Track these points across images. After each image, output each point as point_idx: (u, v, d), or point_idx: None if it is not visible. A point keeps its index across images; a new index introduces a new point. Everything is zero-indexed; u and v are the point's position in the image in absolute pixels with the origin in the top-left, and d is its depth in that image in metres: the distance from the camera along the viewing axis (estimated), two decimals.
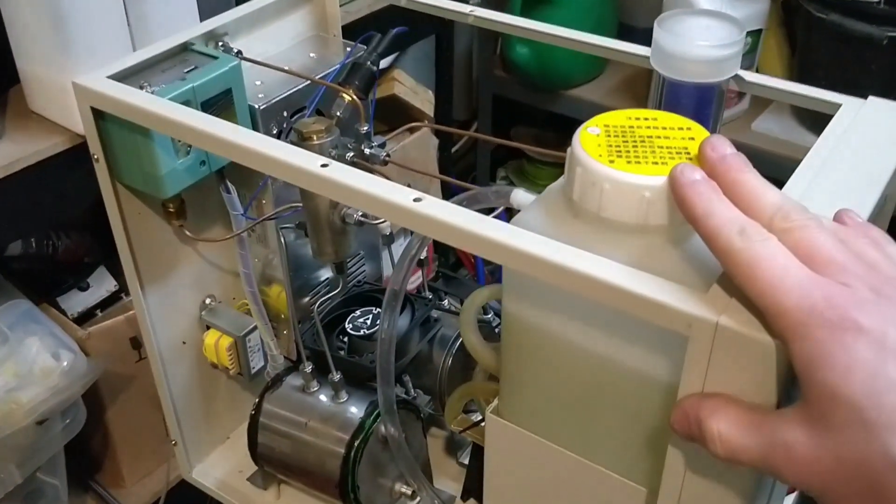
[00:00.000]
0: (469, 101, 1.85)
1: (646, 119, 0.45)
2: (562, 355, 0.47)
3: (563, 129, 1.07)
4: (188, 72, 0.59)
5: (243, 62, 0.63)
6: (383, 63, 1.28)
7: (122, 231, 0.62)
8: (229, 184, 0.64)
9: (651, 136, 0.44)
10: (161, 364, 0.70)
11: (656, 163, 0.42)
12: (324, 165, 0.48)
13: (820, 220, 0.38)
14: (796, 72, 1.51)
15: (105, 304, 1.10)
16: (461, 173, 1.86)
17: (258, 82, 0.65)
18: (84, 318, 1.07)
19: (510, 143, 0.58)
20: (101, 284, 1.10)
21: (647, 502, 0.47)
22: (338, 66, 0.67)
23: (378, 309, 0.71)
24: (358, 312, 0.71)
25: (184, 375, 0.73)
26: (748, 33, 1.50)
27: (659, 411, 0.44)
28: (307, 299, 0.73)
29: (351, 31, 0.72)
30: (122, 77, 0.57)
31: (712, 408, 0.37)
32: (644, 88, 1.57)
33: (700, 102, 0.55)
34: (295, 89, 0.65)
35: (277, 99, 0.64)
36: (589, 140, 0.44)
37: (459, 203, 0.52)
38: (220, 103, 0.60)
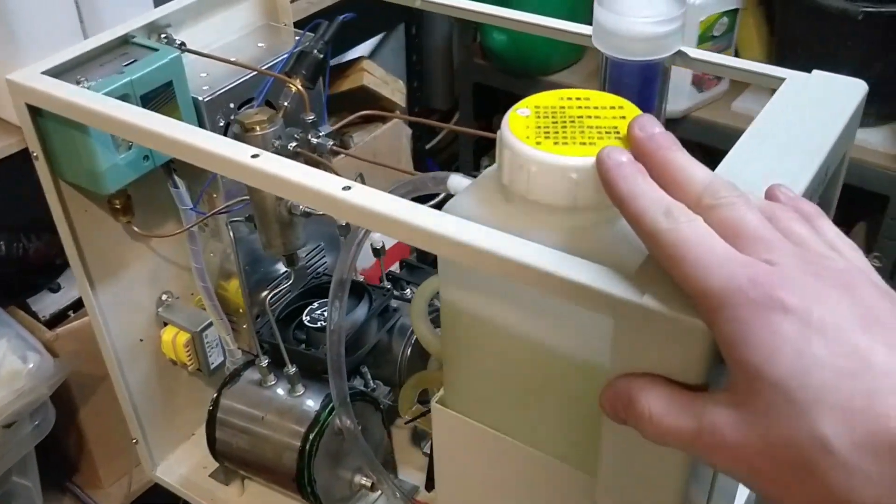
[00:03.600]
0: (450, 90, 1.84)
1: (577, 99, 0.44)
2: (498, 342, 0.46)
3: None
4: (127, 65, 0.58)
5: (187, 54, 0.62)
6: (354, 53, 1.28)
7: (66, 229, 0.61)
8: (177, 178, 0.63)
9: (581, 117, 0.43)
10: (117, 362, 0.69)
11: (584, 143, 0.41)
12: (254, 156, 0.47)
13: (748, 197, 0.37)
14: (775, 50, 1.50)
15: (78, 305, 1.09)
16: (444, 163, 1.85)
17: (203, 74, 0.64)
18: (57, 319, 1.06)
19: (477, 132, 0.56)
20: (73, 286, 1.09)
21: (590, 488, 0.46)
22: (286, 55, 0.66)
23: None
24: (315, 304, 0.70)
25: (142, 373, 0.72)
26: (724, 13, 1.49)
27: (597, 396, 0.43)
28: (265, 293, 0.72)
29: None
30: (59, 72, 0.56)
31: (642, 386, 0.37)
32: None
33: (643, 81, 0.53)
34: (240, 80, 0.64)
35: (222, 91, 0.63)
36: (518, 122, 0.43)
37: (397, 192, 0.51)
38: (160, 96, 0.59)
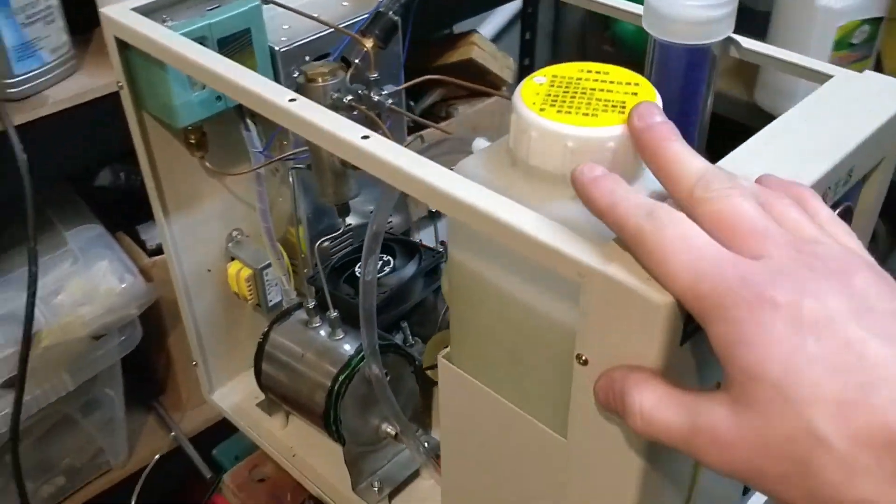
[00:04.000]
0: None
1: (597, 73, 0.45)
2: (493, 302, 0.47)
3: None
4: (210, 10, 0.62)
5: (272, 6, 0.66)
6: (466, 26, 1.29)
7: (145, 158, 0.67)
8: (249, 122, 0.67)
9: (594, 89, 0.44)
10: (184, 288, 0.74)
11: (587, 114, 0.42)
12: (291, 100, 0.50)
13: (742, 186, 0.37)
14: None
15: None
16: None
17: (286, 26, 0.67)
18: (161, 249, 1.13)
19: None
20: None
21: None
22: (366, 15, 0.69)
23: (388, 256, 0.73)
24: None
25: (208, 302, 0.77)
26: (866, 21, 1.42)
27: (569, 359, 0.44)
28: (327, 243, 0.75)
29: None
30: (148, 10, 0.61)
31: (637, 380, 0.37)
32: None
33: (690, 65, 0.53)
34: (318, 35, 0.67)
35: (299, 43, 0.66)
36: (531, 88, 0.44)
37: (431, 150, 0.53)
38: (237, 42, 0.63)
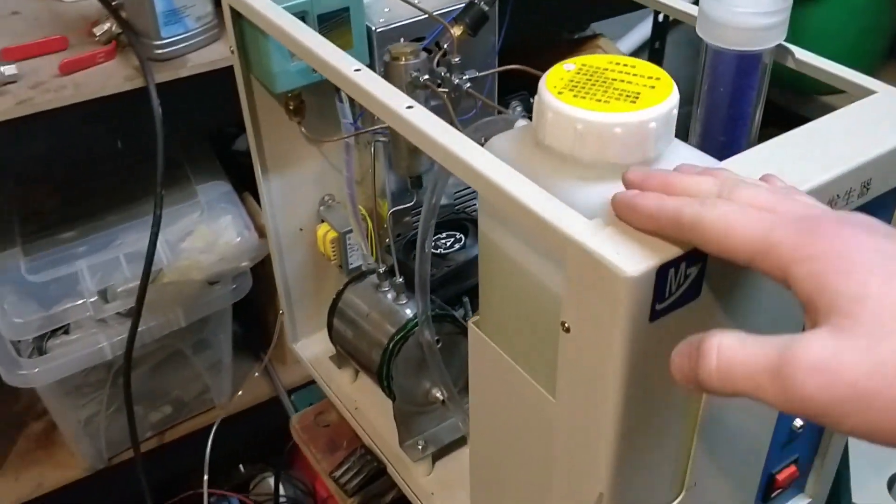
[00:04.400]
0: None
1: (624, 66, 0.48)
2: (507, 271, 0.51)
3: None
4: None
5: None
6: (595, 29, 1.32)
7: (249, 119, 0.74)
8: (344, 94, 0.73)
9: (615, 79, 0.47)
10: (277, 243, 0.82)
11: (600, 100, 0.45)
12: (357, 70, 0.55)
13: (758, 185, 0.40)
14: None
15: None
16: None
17: (386, 9, 0.73)
18: None
19: None
20: None
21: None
22: (463, 4, 0.73)
23: (461, 234, 0.78)
24: (444, 235, 0.78)
25: (298, 258, 0.84)
26: None
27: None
28: (409, 218, 0.81)
29: None
30: None
31: (717, 330, 0.36)
32: None
33: (740, 71, 0.55)
34: (415, 19, 0.72)
35: (395, 25, 0.72)
36: (558, 73, 0.47)
37: (479, 127, 0.57)
38: (336, 19, 0.69)
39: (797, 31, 0.62)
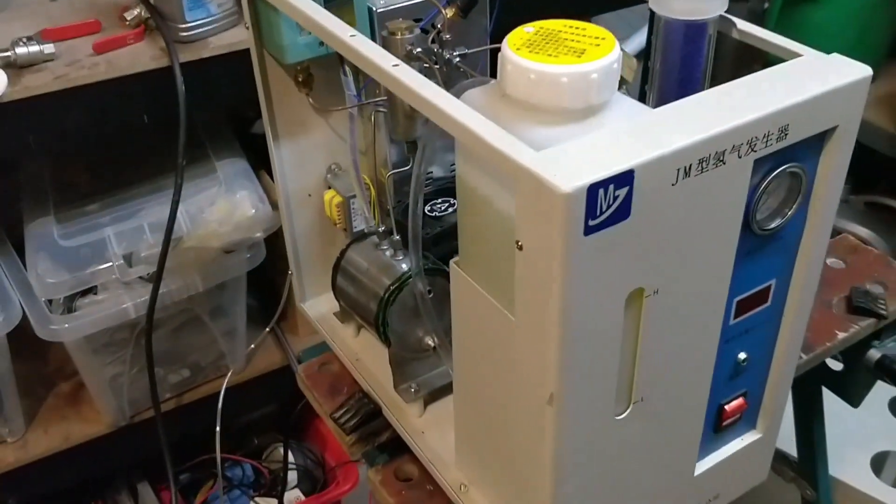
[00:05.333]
0: None
1: (576, 28, 0.56)
2: (479, 207, 0.59)
3: None
4: None
5: None
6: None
7: (262, 88, 0.82)
8: (347, 67, 0.81)
9: (567, 39, 0.54)
10: (286, 206, 0.90)
11: (551, 55, 0.53)
12: (352, 35, 0.63)
13: None
14: None
15: None
16: None
17: None
18: None
19: None
20: None
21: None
22: None
23: (454, 200, 0.85)
24: (439, 200, 0.86)
25: (306, 222, 0.92)
26: None
27: None
28: (408, 186, 0.88)
29: None
30: None
31: None
32: None
33: (687, 40, 0.62)
34: (414, 2, 0.80)
35: (396, 7, 0.79)
36: (519, 34, 0.55)
37: (456, 89, 0.65)
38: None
39: (797, 31, 0.68)
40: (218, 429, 1.17)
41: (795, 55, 0.58)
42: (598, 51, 0.53)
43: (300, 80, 0.82)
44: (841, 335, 0.86)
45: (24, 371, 1.17)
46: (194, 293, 1.12)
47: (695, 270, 0.55)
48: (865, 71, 0.55)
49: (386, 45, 0.75)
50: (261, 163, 1.26)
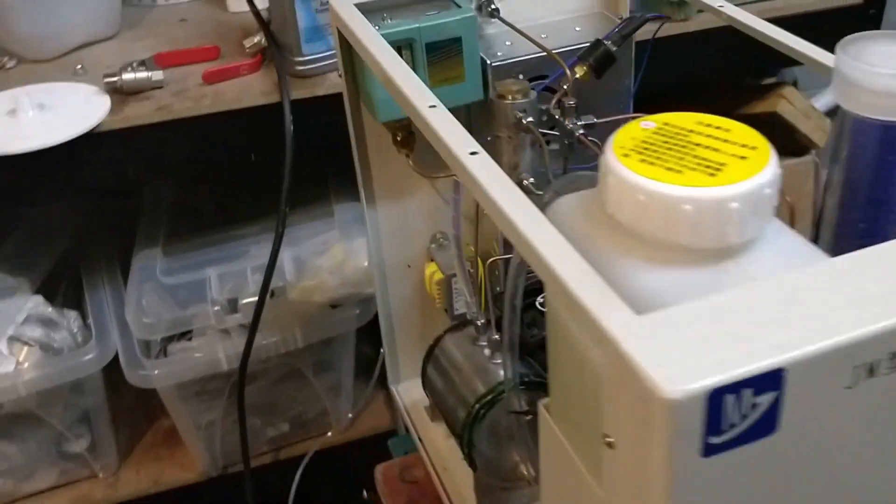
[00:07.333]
0: None
1: (717, 128, 0.40)
2: (571, 354, 0.44)
3: None
4: (429, 14, 0.64)
5: (498, 22, 0.66)
6: (787, 76, 1.18)
7: (356, 144, 0.71)
8: None
9: (699, 144, 0.39)
10: (380, 278, 0.78)
11: (671, 169, 0.37)
12: (431, 106, 0.50)
13: None
14: None
15: None
16: None
17: (508, 43, 0.67)
18: None
19: None
20: None
21: None
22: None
23: None
24: None
25: (404, 296, 0.80)
26: None
27: None
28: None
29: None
30: (371, 8, 0.64)
31: None
32: None
33: (885, 146, 0.44)
34: (536, 56, 0.66)
35: (513, 60, 0.66)
36: (631, 132, 0.40)
37: (563, 183, 0.50)
38: (446, 50, 0.64)
39: None
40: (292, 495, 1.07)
41: None
42: (743, 167, 0.37)
43: (399, 139, 0.69)
44: None
45: (121, 405, 1.12)
46: (293, 348, 1.02)
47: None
48: None
49: (493, 108, 0.62)
50: None
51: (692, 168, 0.37)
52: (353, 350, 1.10)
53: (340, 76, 0.68)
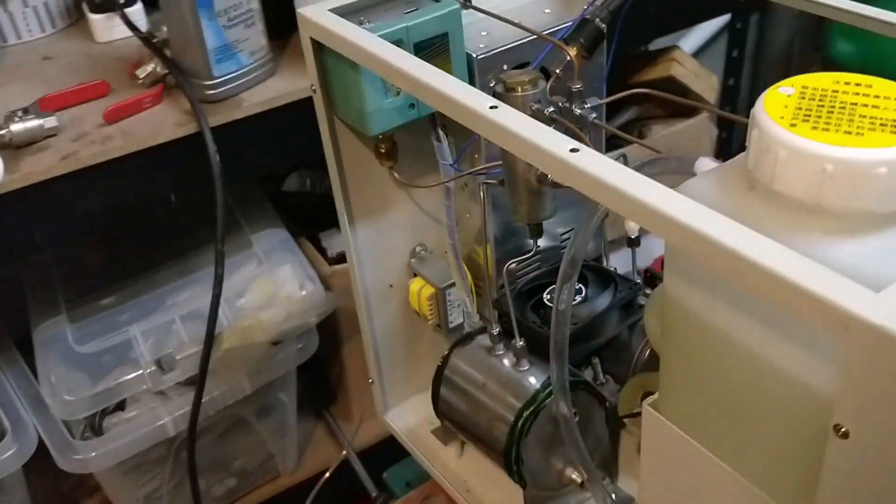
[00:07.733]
0: None
1: (857, 85, 0.38)
2: (716, 350, 0.41)
3: None
4: (408, 12, 0.59)
5: (472, 12, 0.62)
6: (663, 41, 1.22)
7: (334, 164, 0.64)
8: (441, 133, 0.63)
9: (855, 104, 0.37)
10: (365, 301, 0.72)
11: (850, 132, 0.35)
12: (493, 107, 0.45)
13: None
14: None
15: None
16: None
17: (484, 33, 0.63)
18: (342, 258, 1.13)
19: None
20: None
21: None
22: (569, 23, 0.63)
23: (580, 285, 0.68)
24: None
25: (388, 318, 0.74)
26: None
27: (816, 429, 0.36)
28: (514, 265, 0.70)
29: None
30: (345, 12, 0.58)
31: None
32: None
33: None
34: (518, 43, 0.63)
35: (498, 50, 0.62)
36: (776, 100, 0.37)
37: (640, 169, 0.47)
38: (434, 47, 0.59)
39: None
40: None
41: None
42: None
43: (382, 151, 0.64)
44: None
45: (42, 486, 0.98)
46: (241, 397, 0.93)
47: None
48: None
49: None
50: (300, 228, 1.08)
51: (870, 129, 0.35)
52: (294, 386, 1.03)
53: (314, 90, 0.61)
